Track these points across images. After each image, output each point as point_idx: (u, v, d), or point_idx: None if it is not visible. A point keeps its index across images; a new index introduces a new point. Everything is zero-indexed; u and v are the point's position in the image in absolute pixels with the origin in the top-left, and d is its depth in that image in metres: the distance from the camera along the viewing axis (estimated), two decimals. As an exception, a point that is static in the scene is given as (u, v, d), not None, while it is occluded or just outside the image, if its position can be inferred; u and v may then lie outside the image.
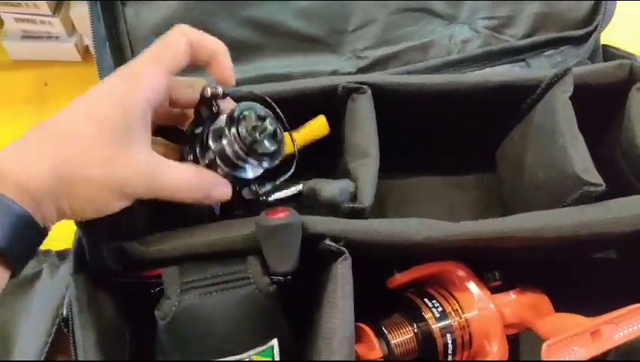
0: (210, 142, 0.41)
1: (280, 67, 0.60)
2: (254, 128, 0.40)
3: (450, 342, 0.45)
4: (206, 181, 0.41)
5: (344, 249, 0.41)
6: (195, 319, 0.41)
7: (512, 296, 0.47)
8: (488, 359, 0.45)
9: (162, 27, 0.57)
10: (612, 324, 0.42)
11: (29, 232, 0.34)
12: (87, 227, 0.42)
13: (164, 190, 0.39)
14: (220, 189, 0.41)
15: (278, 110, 0.44)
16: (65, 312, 0.45)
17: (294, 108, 0.49)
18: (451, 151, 0.58)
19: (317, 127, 0.50)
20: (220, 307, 0.41)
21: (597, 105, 0.51)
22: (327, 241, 0.42)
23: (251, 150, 0.39)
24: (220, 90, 0.41)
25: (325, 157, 0.52)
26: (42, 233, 0.35)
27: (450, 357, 0.44)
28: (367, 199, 0.43)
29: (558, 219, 0.42)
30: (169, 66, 0.40)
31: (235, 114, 0.40)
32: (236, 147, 0.39)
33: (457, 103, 0.51)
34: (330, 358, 0.38)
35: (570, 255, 0.51)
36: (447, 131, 0.56)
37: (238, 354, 0.41)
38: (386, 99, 0.50)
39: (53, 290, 0.51)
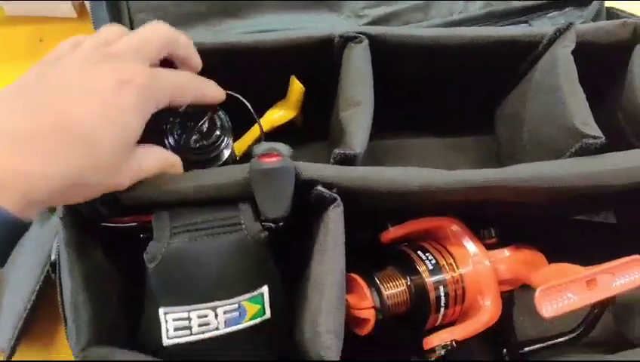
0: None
1: (277, 24, 0.60)
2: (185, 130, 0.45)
3: (442, 295, 0.44)
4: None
5: (336, 195, 0.41)
6: (184, 263, 0.40)
7: (506, 252, 0.47)
8: (481, 314, 0.44)
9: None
10: (608, 274, 0.42)
11: (13, 231, 0.33)
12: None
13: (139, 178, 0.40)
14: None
15: (246, 102, 0.48)
16: (53, 257, 0.44)
17: (291, 60, 0.49)
18: (449, 111, 0.57)
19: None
20: (210, 251, 0.40)
21: (599, 64, 0.51)
22: (320, 188, 0.41)
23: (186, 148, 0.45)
24: None
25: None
26: (26, 227, 0.34)
27: (442, 311, 0.44)
28: (357, 146, 0.43)
29: (554, 168, 0.41)
30: (172, 103, 0.41)
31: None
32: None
33: (456, 58, 0.50)
34: (320, 303, 0.38)
35: (568, 213, 0.50)
36: (446, 90, 0.55)
37: (227, 299, 0.40)
38: (383, 53, 0.49)
39: (42, 238, 0.50)
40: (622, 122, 0.50)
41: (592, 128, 0.43)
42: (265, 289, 0.42)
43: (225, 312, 0.40)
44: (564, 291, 0.41)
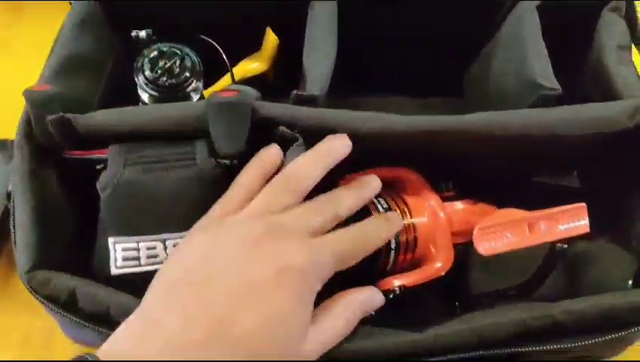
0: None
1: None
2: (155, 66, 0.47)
3: (392, 239, 0.44)
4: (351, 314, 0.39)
5: (298, 135, 0.41)
6: (136, 193, 0.40)
7: (461, 205, 0.47)
8: (433, 263, 0.44)
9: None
10: (552, 220, 0.42)
11: None
12: (35, 102, 0.42)
13: None
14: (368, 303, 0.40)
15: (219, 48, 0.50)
16: (10, 187, 0.44)
17: (265, 9, 0.49)
18: (420, 73, 0.57)
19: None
20: (162, 184, 0.41)
21: (567, 24, 0.50)
22: (282, 128, 0.41)
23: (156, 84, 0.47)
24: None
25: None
26: None
27: (392, 255, 0.44)
28: (316, 88, 0.43)
29: (506, 115, 0.41)
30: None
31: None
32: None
33: (427, 14, 0.50)
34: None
35: (529, 172, 0.50)
36: (415, 51, 0.55)
37: (177, 231, 0.40)
38: (353, 6, 0.49)
39: (5, 175, 0.50)
40: (586, 80, 0.50)
41: (549, 80, 0.43)
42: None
43: (174, 245, 0.41)
44: (503, 231, 0.41)
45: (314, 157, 0.40)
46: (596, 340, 0.39)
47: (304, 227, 0.37)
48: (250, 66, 0.56)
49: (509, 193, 0.50)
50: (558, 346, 0.39)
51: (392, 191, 0.47)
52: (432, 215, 0.45)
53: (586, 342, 0.39)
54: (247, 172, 0.40)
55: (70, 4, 0.51)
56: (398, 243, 0.44)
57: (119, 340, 0.33)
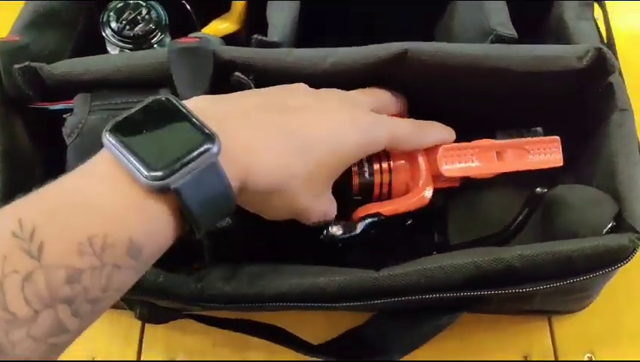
0: None
1: None
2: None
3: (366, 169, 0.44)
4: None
5: (251, 82, 0.41)
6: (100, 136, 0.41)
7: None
8: (411, 194, 0.43)
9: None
10: (522, 149, 0.42)
11: (223, 203, 0.33)
12: (3, 52, 0.43)
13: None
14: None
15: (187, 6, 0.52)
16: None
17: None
18: (388, 31, 0.58)
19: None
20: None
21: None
22: (237, 74, 0.42)
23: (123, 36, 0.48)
24: None
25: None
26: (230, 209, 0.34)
27: (366, 165, 0.44)
28: (277, 35, 0.43)
29: (456, 46, 0.42)
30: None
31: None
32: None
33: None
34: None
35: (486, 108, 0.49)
36: (384, 5, 0.56)
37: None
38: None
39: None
40: (547, 39, 0.51)
41: (506, 27, 0.44)
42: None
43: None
44: (470, 155, 0.42)
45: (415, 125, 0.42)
46: (546, 286, 0.38)
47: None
48: (221, 27, 0.56)
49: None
50: (511, 291, 0.38)
51: None
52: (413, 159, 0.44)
53: (537, 289, 0.38)
54: None
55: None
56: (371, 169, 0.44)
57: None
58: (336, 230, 0.42)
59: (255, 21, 0.56)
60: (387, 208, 0.43)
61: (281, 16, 0.45)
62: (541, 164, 0.43)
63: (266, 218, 0.39)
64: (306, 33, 0.50)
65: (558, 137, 0.43)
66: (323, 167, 0.37)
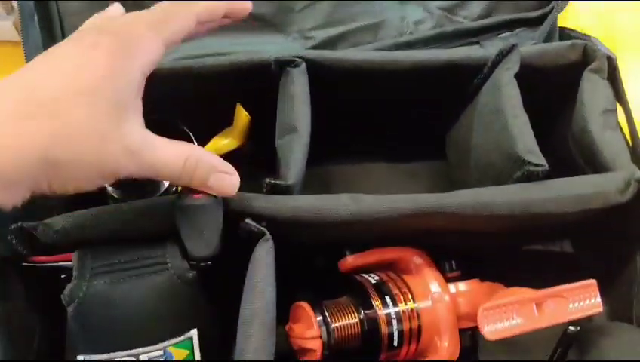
0: None
1: (223, 46, 0.57)
2: None
3: (396, 331, 0.42)
4: (200, 166, 0.36)
5: (265, 229, 0.39)
6: (105, 306, 0.38)
7: (468, 286, 0.44)
8: (438, 355, 0.42)
9: (95, 3, 0.54)
10: (561, 298, 0.40)
11: None
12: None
13: (156, 171, 0.35)
14: (219, 176, 0.37)
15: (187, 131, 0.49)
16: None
17: (234, 85, 0.47)
18: (399, 135, 0.56)
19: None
20: (133, 294, 0.38)
21: (549, 88, 0.49)
22: (248, 221, 0.39)
23: None
24: None
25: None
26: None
27: (395, 348, 0.41)
28: (291, 177, 0.41)
29: (493, 195, 0.39)
30: (169, 39, 0.36)
31: None
32: None
33: (401, 83, 0.48)
34: (245, 346, 0.35)
35: (519, 242, 0.48)
36: (394, 114, 0.54)
37: (151, 344, 0.38)
38: (325, 77, 0.47)
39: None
40: (571, 146, 0.48)
41: (535, 156, 0.41)
42: (194, 332, 0.39)
43: (149, 360, 0.38)
44: (510, 312, 0.39)
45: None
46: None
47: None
48: (223, 143, 0.53)
49: (509, 262, 0.48)
50: None
51: (395, 273, 0.44)
52: (438, 301, 0.43)
53: None
54: None
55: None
56: (401, 334, 0.41)
57: None
58: None
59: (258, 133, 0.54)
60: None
61: (294, 151, 0.42)
62: (582, 312, 0.40)
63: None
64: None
65: (594, 281, 0.40)
66: (74, 118, 0.31)
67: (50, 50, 0.34)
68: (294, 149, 0.42)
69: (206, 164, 0.36)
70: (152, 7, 0.37)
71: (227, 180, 0.37)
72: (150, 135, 0.35)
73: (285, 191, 0.40)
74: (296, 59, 0.45)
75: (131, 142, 0.33)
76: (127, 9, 0.40)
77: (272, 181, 0.40)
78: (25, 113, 0.31)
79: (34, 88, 0.32)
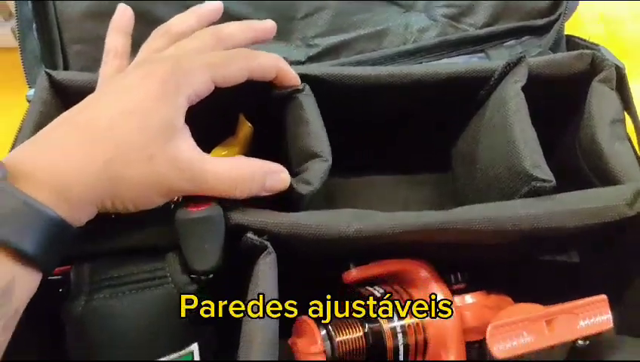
0: None
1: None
2: None
3: (401, 344, 0.41)
4: (255, 173, 0.39)
5: (267, 243, 0.38)
6: (105, 321, 0.37)
7: (474, 298, 0.43)
8: None
9: (95, 11, 0.54)
10: (572, 314, 0.39)
11: (61, 236, 0.33)
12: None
13: (210, 186, 0.37)
14: (274, 177, 0.40)
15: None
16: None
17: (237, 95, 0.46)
18: (404, 148, 0.55)
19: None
20: (133, 308, 0.38)
21: (556, 97, 0.49)
22: (250, 235, 0.38)
23: None
24: None
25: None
26: (74, 234, 0.34)
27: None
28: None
29: (500, 210, 0.38)
30: (218, 81, 0.39)
31: None
32: None
33: (405, 97, 0.48)
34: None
35: (526, 254, 0.47)
36: (399, 127, 0.53)
37: (152, 359, 0.37)
38: (328, 92, 0.46)
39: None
40: (579, 156, 0.48)
41: (542, 171, 0.40)
42: (194, 347, 0.39)
43: (151, 379, 0.37)
44: (520, 330, 0.38)
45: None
46: None
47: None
48: (224, 153, 0.53)
49: (517, 275, 0.47)
50: None
51: (400, 286, 0.44)
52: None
53: None
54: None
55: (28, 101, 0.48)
56: (407, 348, 0.40)
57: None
58: None
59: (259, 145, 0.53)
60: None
61: (317, 171, 0.42)
62: (592, 329, 0.39)
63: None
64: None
65: (604, 296, 0.39)
66: (127, 137, 0.35)
67: (110, 80, 0.40)
68: (318, 169, 0.42)
69: (260, 170, 0.39)
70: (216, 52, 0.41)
71: (281, 177, 0.40)
72: (200, 153, 0.38)
73: (299, 199, 0.40)
74: (298, 87, 0.44)
75: (180, 160, 0.36)
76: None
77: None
78: (88, 136, 0.34)
79: (95, 115, 0.35)
